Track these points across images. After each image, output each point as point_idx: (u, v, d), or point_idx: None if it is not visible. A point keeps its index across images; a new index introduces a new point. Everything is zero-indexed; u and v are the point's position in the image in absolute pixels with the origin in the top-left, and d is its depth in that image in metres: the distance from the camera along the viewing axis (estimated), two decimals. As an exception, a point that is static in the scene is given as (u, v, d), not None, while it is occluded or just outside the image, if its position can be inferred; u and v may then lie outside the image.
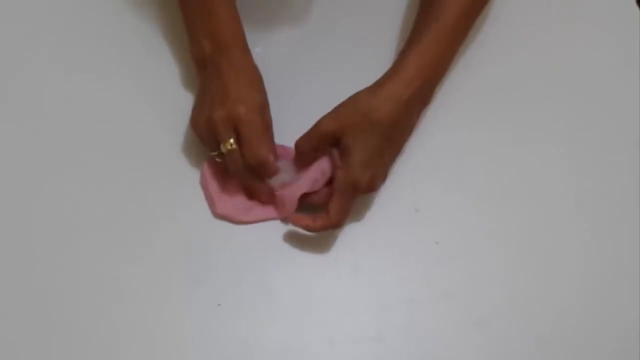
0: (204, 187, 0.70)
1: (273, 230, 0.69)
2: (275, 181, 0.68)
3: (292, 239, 0.69)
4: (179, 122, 0.73)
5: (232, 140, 0.65)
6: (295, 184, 0.68)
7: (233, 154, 0.66)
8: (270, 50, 0.78)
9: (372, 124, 0.65)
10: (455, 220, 0.71)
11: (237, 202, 0.69)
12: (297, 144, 0.68)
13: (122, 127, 0.73)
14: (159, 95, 0.75)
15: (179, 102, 0.74)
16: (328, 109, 0.70)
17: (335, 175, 0.66)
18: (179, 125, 0.73)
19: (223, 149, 0.66)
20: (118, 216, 0.69)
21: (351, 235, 0.69)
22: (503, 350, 0.66)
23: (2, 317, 0.64)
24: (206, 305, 0.65)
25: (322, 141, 0.67)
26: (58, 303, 0.65)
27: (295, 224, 0.67)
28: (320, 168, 0.68)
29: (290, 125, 0.73)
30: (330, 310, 0.66)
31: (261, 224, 0.69)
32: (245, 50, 0.70)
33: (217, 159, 0.68)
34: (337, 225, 0.66)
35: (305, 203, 0.68)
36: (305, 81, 0.76)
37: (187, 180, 0.71)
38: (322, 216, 0.65)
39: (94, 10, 0.79)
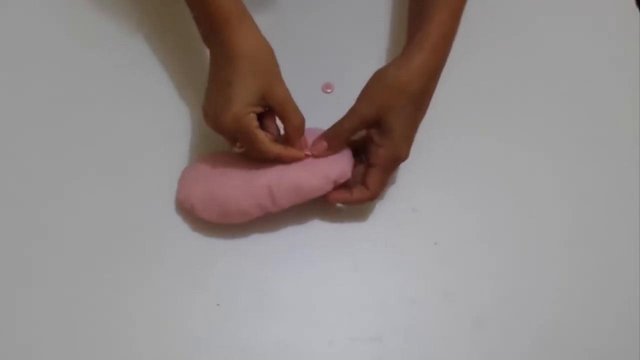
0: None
1: (273, 230, 0.69)
2: None
3: (292, 239, 0.69)
4: (183, 125, 0.74)
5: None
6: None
7: (245, 153, 0.67)
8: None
9: (408, 98, 0.66)
10: (454, 221, 0.71)
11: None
12: (334, 131, 0.67)
13: (124, 128, 0.73)
14: (162, 95, 0.75)
15: (180, 101, 0.74)
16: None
17: (375, 152, 0.66)
18: (182, 127, 0.73)
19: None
20: (119, 219, 0.69)
21: (351, 236, 0.69)
22: (502, 349, 0.66)
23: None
24: (205, 306, 0.66)
25: (361, 126, 0.67)
26: (59, 304, 0.65)
27: (333, 199, 0.67)
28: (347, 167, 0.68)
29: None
30: (330, 310, 0.66)
31: (260, 225, 0.68)
32: (241, 24, 0.65)
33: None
34: (375, 197, 0.67)
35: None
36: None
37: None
38: (360, 189, 0.67)
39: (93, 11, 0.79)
